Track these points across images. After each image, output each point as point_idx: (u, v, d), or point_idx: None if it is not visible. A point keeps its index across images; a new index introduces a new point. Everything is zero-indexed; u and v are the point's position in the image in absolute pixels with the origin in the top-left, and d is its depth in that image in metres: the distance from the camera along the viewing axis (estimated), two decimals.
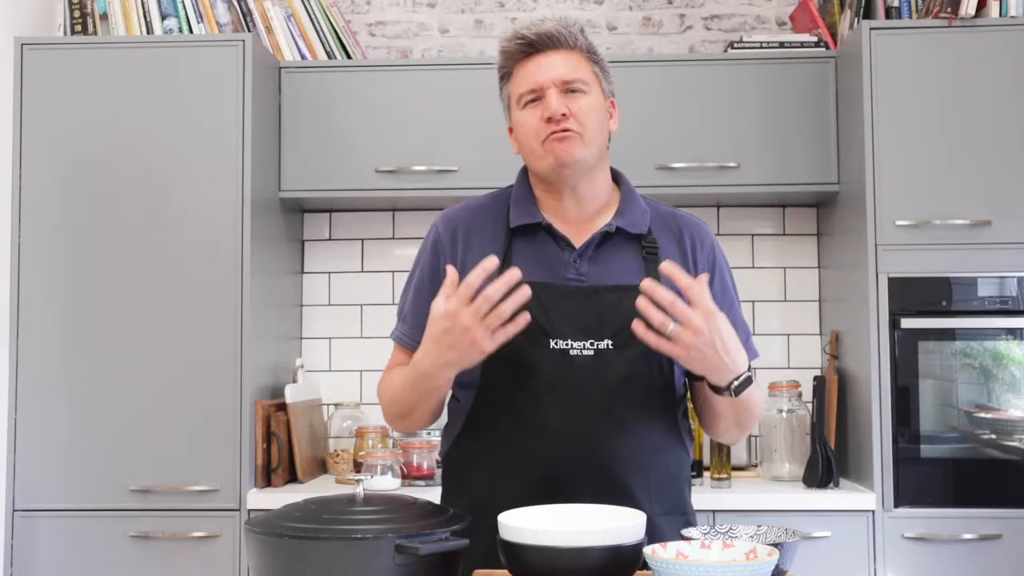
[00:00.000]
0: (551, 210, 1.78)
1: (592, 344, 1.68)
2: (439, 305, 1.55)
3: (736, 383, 1.59)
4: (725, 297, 1.79)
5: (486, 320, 1.51)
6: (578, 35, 1.76)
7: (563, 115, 1.70)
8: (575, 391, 1.68)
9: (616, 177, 1.85)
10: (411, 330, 1.79)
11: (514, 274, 1.50)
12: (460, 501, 1.69)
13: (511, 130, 1.81)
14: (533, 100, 1.73)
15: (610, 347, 1.69)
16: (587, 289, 1.72)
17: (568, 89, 1.72)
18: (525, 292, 1.51)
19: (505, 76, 1.80)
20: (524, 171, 1.85)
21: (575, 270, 1.73)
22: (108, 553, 2.82)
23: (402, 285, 1.89)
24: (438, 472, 2.94)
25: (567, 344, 1.69)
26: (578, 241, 1.75)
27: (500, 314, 1.50)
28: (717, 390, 1.61)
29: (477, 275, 1.49)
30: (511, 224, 1.77)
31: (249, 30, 3.14)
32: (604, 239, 1.76)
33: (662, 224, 1.80)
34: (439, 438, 2.52)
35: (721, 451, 2.92)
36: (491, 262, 1.51)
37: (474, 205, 1.85)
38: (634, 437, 1.70)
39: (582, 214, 1.78)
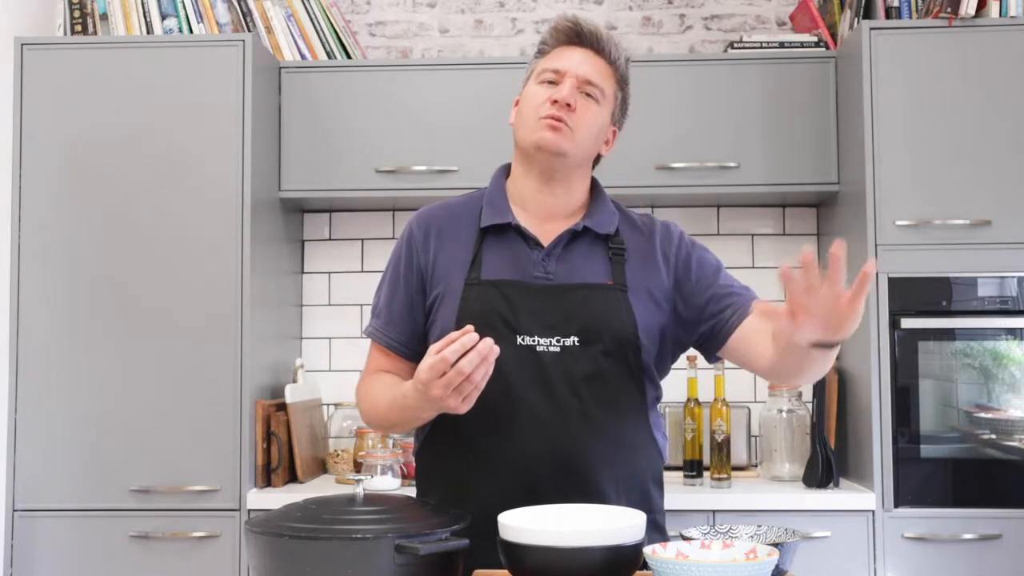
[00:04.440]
0: (523, 207, 1.81)
1: (558, 340, 1.71)
2: (421, 367, 1.54)
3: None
4: (709, 267, 1.82)
5: (458, 388, 1.51)
6: (621, 57, 1.81)
7: (568, 104, 1.73)
8: (542, 386, 1.70)
9: (592, 185, 1.88)
10: (384, 326, 1.83)
11: (487, 344, 1.49)
12: (432, 497, 1.72)
13: (517, 101, 1.84)
14: (551, 82, 1.77)
15: (576, 344, 1.71)
16: (554, 287, 1.74)
17: (585, 91, 1.76)
18: (495, 352, 1.50)
19: (541, 52, 1.83)
20: (499, 172, 1.88)
21: (543, 268, 1.76)
22: (108, 553, 2.82)
23: None
24: None
25: (534, 340, 1.71)
26: (547, 240, 1.78)
27: (472, 381, 1.51)
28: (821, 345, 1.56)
29: (453, 350, 1.49)
30: (482, 224, 1.80)
31: (249, 30, 3.14)
32: (572, 239, 1.79)
33: (630, 226, 1.84)
34: None
35: (721, 451, 2.92)
36: (469, 338, 1.49)
37: (449, 204, 1.88)
38: (601, 432, 1.72)
39: (553, 215, 1.81)
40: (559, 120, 1.73)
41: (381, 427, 1.89)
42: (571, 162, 1.77)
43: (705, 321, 1.79)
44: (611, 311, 1.73)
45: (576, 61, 1.77)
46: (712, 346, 1.81)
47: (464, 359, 1.49)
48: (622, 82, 1.83)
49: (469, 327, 1.51)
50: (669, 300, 1.79)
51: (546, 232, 1.79)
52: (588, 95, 1.76)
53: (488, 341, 1.50)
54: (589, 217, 1.81)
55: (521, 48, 3.50)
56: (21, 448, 2.86)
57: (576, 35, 1.79)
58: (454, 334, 1.51)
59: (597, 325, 1.72)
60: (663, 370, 1.83)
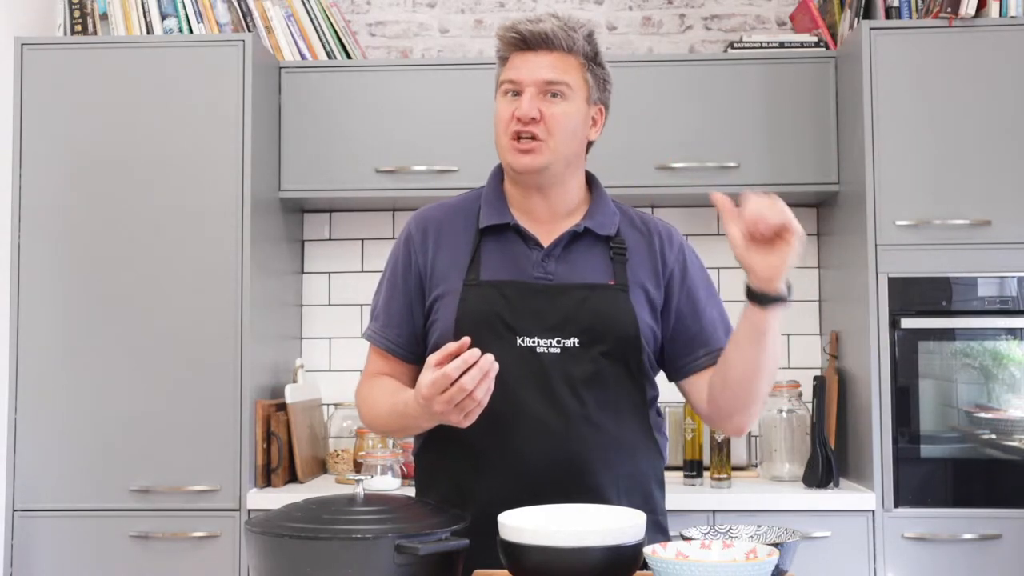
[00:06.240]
0: (521, 209, 1.80)
1: (559, 342, 1.70)
2: (422, 382, 1.53)
3: (787, 287, 1.62)
4: (698, 294, 1.82)
5: (460, 404, 1.50)
6: (578, 39, 1.75)
7: (533, 119, 1.71)
8: (542, 388, 1.69)
9: (589, 180, 1.86)
10: (383, 328, 1.81)
11: (488, 360, 1.49)
12: (431, 499, 1.71)
13: None
14: (513, 92, 1.75)
15: (576, 345, 1.71)
16: (554, 287, 1.73)
17: (548, 91, 1.73)
18: (495, 369, 1.50)
19: (501, 60, 1.81)
20: (496, 171, 1.86)
21: (543, 269, 1.75)
22: (108, 553, 2.82)
23: None
24: None
25: (534, 341, 1.70)
26: (547, 241, 1.77)
27: (475, 398, 1.50)
28: (764, 300, 1.61)
29: (455, 367, 1.48)
30: (480, 224, 1.79)
31: (249, 30, 3.14)
32: (573, 239, 1.77)
33: (631, 226, 1.83)
34: None
35: (721, 451, 2.92)
36: (471, 354, 1.48)
37: (447, 205, 1.87)
38: (602, 434, 1.71)
39: (552, 214, 1.80)
40: (529, 138, 1.71)
41: (381, 432, 1.89)
42: (555, 169, 1.75)
43: (677, 347, 1.80)
44: (613, 312, 1.72)
45: (531, 67, 1.73)
46: (675, 375, 1.84)
47: (466, 376, 1.47)
48: (590, 62, 1.77)
49: (466, 340, 1.50)
50: (658, 303, 1.79)
51: (546, 232, 1.78)
52: (553, 95, 1.72)
53: (489, 357, 1.49)
54: (590, 217, 1.79)
55: None
56: (21, 448, 2.86)
57: (522, 42, 1.74)
58: (451, 346, 1.50)
59: (599, 326, 1.71)
60: (655, 370, 1.83)
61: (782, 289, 1.61)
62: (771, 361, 1.70)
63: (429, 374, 1.51)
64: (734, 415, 1.77)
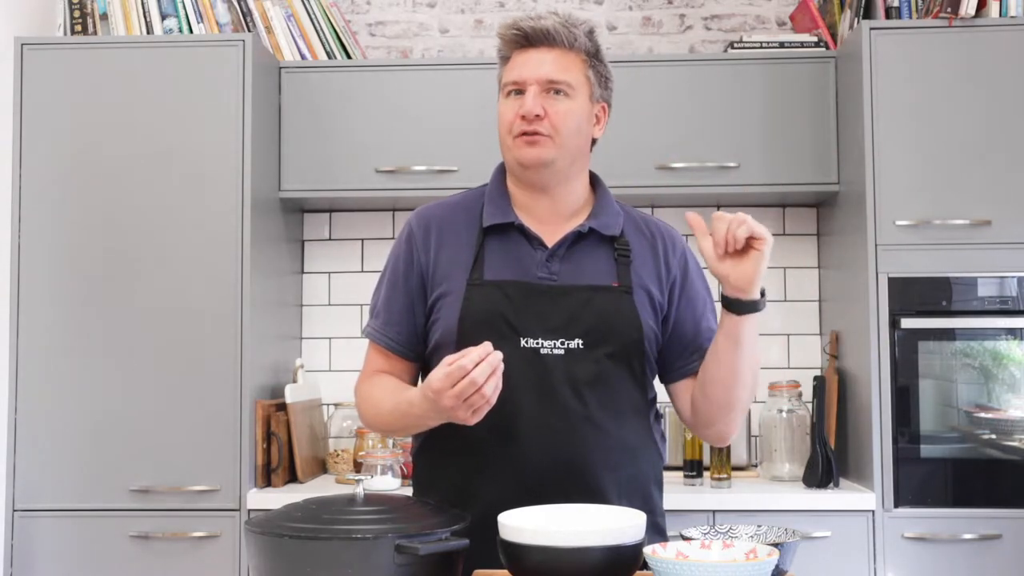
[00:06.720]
0: (525, 208, 1.79)
1: (563, 343, 1.70)
2: (434, 376, 1.53)
3: (762, 297, 1.65)
4: (697, 300, 1.82)
5: (469, 400, 1.50)
6: (579, 35, 1.75)
7: (537, 116, 1.70)
8: (545, 389, 1.69)
9: (593, 180, 1.86)
10: (383, 326, 1.81)
11: (497, 357, 1.49)
12: (431, 499, 1.70)
13: None
14: (516, 92, 1.74)
15: (580, 346, 1.70)
16: (558, 288, 1.73)
17: (552, 89, 1.72)
18: (502, 366, 1.50)
19: (503, 59, 1.80)
20: (499, 169, 1.85)
21: (547, 269, 1.74)
22: (108, 553, 2.81)
23: None
24: None
25: (537, 343, 1.70)
26: (551, 241, 1.76)
27: (484, 395, 1.50)
28: (739, 308, 1.64)
29: (472, 359, 1.48)
30: (484, 223, 1.78)
31: (249, 30, 3.14)
32: (577, 239, 1.77)
33: (635, 228, 1.82)
34: None
35: (721, 451, 2.92)
36: (484, 347, 1.49)
37: (448, 203, 1.86)
38: (604, 436, 1.71)
39: (556, 214, 1.79)
40: (534, 134, 1.71)
41: (382, 430, 1.88)
42: (561, 165, 1.75)
43: (674, 350, 1.81)
44: (617, 313, 1.72)
45: (533, 65, 1.73)
46: (667, 377, 1.84)
47: (476, 370, 1.48)
48: (591, 58, 1.77)
49: (488, 344, 1.50)
50: (660, 306, 1.79)
51: (550, 232, 1.77)
52: (556, 92, 1.72)
53: (497, 354, 1.49)
54: (594, 218, 1.79)
55: None
56: (21, 448, 2.86)
57: (524, 39, 1.74)
58: (470, 349, 1.50)
59: (603, 327, 1.71)
60: (655, 372, 1.83)
61: (756, 296, 1.64)
62: (749, 368, 1.71)
63: (444, 369, 1.50)
64: (715, 423, 1.79)
